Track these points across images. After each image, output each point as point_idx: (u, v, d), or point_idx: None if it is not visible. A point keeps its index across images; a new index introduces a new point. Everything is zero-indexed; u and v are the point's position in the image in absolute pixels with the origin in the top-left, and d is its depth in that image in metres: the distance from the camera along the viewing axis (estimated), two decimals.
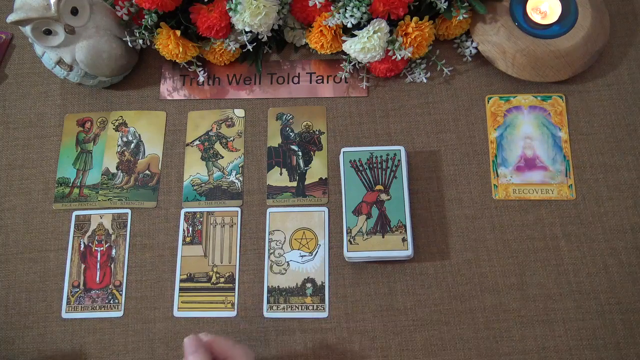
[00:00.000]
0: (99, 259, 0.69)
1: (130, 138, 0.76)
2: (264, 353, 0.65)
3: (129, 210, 0.71)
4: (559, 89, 0.74)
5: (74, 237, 0.70)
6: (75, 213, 0.71)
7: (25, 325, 0.68)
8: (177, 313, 0.67)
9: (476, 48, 0.74)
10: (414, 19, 0.70)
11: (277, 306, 0.67)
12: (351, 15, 0.68)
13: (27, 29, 0.67)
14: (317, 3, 0.68)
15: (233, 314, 0.67)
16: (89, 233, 0.70)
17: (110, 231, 0.70)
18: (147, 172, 0.74)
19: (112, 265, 0.69)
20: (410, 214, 0.67)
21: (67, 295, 0.68)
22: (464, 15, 0.70)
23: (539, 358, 0.63)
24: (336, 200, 0.71)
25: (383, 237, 0.65)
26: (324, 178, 0.72)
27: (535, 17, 0.71)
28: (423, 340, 0.65)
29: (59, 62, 0.71)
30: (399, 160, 0.67)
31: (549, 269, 0.67)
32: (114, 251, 0.70)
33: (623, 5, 0.78)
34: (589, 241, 0.67)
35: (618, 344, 0.63)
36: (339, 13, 0.68)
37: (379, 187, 0.67)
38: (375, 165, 0.68)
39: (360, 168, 0.68)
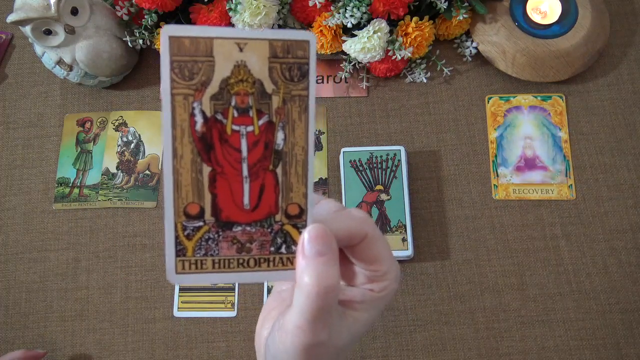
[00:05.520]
0: (246, 149, 0.28)
1: (130, 138, 0.76)
2: None
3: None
4: (559, 89, 0.74)
5: (172, 96, 0.26)
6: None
7: (25, 325, 0.68)
8: (177, 313, 0.67)
9: (476, 48, 0.74)
10: (414, 19, 0.70)
11: None
12: (351, 15, 0.68)
13: (27, 29, 0.67)
14: (317, 3, 0.68)
15: (233, 314, 0.67)
16: (213, 84, 0.27)
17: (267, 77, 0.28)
18: (147, 172, 0.74)
19: (280, 166, 0.29)
20: (410, 214, 0.67)
21: (178, 238, 0.28)
22: (464, 15, 0.70)
23: (539, 358, 0.63)
24: (336, 200, 0.71)
25: None
26: (324, 178, 0.72)
27: (535, 17, 0.71)
28: (423, 340, 0.65)
29: (59, 62, 0.71)
30: (399, 160, 0.67)
31: (549, 269, 0.67)
32: (280, 132, 0.28)
33: (623, 5, 0.78)
34: (589, 241, 0.67)
35: (618, 344, 0.63)
36: (339, 13, 0.68)
37: (379, 187, 0.67)
38: (375, 165, 0.68)
39: (360, 168, 0.68)
